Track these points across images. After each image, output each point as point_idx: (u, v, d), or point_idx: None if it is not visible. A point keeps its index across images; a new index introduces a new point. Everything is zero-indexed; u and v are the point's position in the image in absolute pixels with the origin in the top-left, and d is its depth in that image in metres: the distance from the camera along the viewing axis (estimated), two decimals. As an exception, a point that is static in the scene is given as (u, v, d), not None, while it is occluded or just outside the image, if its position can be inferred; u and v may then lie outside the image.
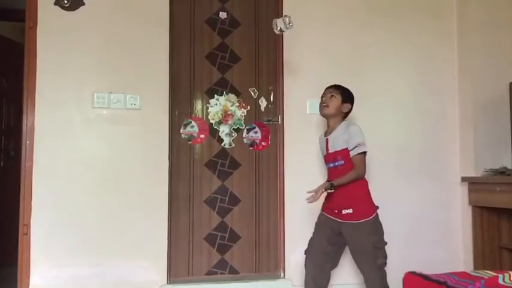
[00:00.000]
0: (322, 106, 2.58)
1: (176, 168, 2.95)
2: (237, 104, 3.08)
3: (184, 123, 3.00)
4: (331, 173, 2.55)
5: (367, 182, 2.52)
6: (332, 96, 2.56)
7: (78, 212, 2.73)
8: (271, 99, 3.12)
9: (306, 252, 2.58)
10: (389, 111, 3.22)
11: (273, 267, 3.02)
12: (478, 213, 3.09)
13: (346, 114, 2.60)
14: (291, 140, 3.06)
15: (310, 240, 2.59)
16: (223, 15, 3.09)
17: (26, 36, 2.77)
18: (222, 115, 3.06)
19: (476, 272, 1.94)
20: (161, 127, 2.88)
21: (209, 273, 2.95)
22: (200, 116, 3.03)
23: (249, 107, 3.10)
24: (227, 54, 3.08)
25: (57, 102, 2.75)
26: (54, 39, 2.76)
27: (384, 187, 3.13)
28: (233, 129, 3.07)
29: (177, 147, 2.97)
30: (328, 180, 2.47)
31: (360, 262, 2.50)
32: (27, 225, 2.67)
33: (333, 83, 2.63)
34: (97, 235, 2.74)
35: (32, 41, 2.74)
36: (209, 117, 3.05)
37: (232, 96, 3.08)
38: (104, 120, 2.81)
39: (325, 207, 2.59)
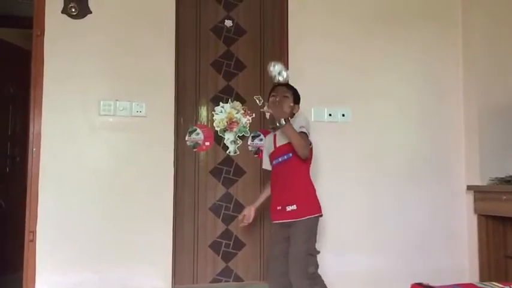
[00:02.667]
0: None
1: (181, 175, 2.95)
2: (242, 112, 3.09)
3: (189, 130, 3.01)
4: (279, 169, 2.47)
5: (312, 183, 2.49)
6: (285, 96, 2.51)
7: (83, 219, 2.74)
8: (276, 107, 3.12)
9: (269, 267, 2.55)
10: (393, 118, 3.21)
11: (278, 275, 3.01)
12: (484, 222, 3.07)
13: (293, 115, 2.56)
14: (296, 147, 3.05)
15: (269, 257, 2.58)
16: (228, 23, 3.11)
17: (34, 44, 2.78)
18: (227, 122, 3.07)
19: (483, 284, 1.92)
20: (166, 134, 2.89)
21: (214, 280, 2.95)
22: (205, 124, 3.04)
23: (254, 115, 3.11)
24: (232, 62, 3.10)
25: (63, 110, 2.76)
26: (61, 47, 2.78)
27: (388, 195, 3.14)
28: (238, 136, 3.07)
29: (182, 154, 2.98)
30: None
31: (290, 268, 2.37)
32: (33, 232, 2.68)
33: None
34: (102, 242, 2.75)
35: (39, 48, 2.76)
36: (214, 124, 3.06)
37: (238, 104, 3.09)
38: (110, 128, 2.82)
39: (271, 209, 2.51)
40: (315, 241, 2.43)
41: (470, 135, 3.23)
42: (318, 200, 2.46)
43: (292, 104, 2.51)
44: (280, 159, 2.47)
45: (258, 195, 2.71)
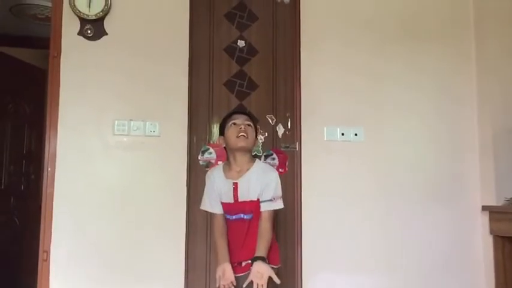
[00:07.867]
0: (240, 136, 2.07)
1: (194, 194, 2.94)
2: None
3: (202, 149, 3.02)
4: (239, 226, 2.13)
5: (274, 238, 2.20)
6: (249, 125, 2.12)
7: (97, 238, 2.75)
8: (289, 126, 3.13)
9: None
10: (407, 137, 3.19)
11: (290, 295, 2.99)
12: (500, 242, 3.02)
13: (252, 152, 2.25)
14: (308, 166, 3.05)
15: None
16: (241, 43, 3.14)
17: (50, 65, 2.83)
18: (239, 142, 3.07)
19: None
20: (180, 154, 2.91)
21: (226, 301, 2.92)
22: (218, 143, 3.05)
23: (266, 134, 3.11)
24: (245, 82, 3.12)
25: (78, 129, 2.80)
26: (77, 68, 2.82)
27: (402, 215, 3.11)
28: (251, 155, 3.07)
29: (195, 173, 2.98)
30: (255, 258, 2.01)
31: None
32: (47, 252, 2.69)
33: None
34: (116, 261, 2.75)
35: (56, 69, 2.80)
36: (227, 143, 3.06)
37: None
38: (124, 147, 2.84)
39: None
40: None
41: (486, 155, 3.19)
42: (277, 252, 2.18)
43: (255, 137, 2.14)
44: (234, 217, 2.17)
45: (224, 246, 2.16)
